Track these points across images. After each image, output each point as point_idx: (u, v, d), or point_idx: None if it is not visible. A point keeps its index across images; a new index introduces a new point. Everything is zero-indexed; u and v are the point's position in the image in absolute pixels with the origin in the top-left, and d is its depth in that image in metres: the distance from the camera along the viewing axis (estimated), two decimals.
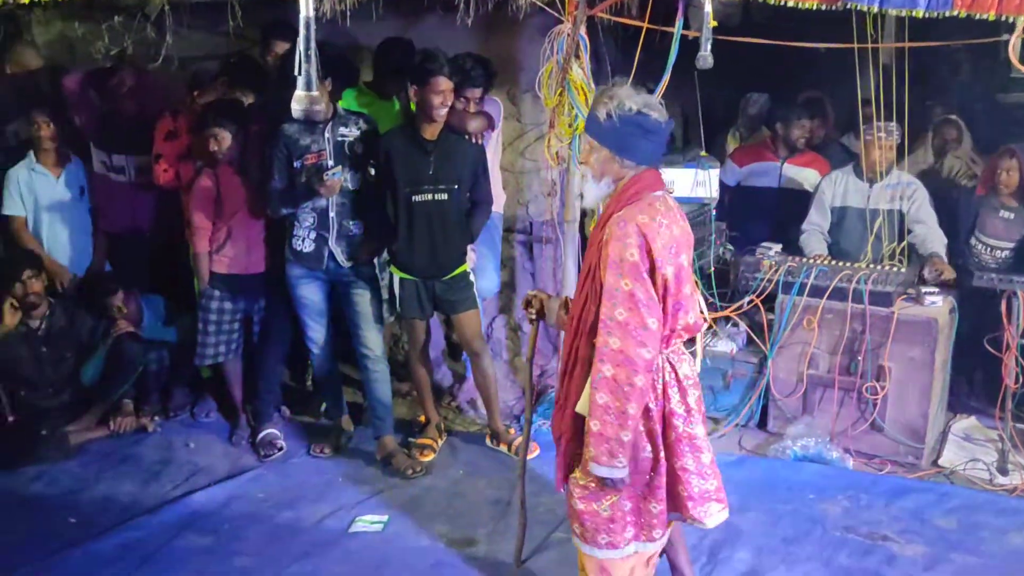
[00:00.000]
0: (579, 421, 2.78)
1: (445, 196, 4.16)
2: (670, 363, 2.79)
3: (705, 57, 3.61)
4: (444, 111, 4.06)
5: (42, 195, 4.81)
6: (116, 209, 4.95)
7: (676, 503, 2.88)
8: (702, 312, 2.92)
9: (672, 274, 2.67)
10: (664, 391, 2.78)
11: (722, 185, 5.27)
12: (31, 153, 4.79)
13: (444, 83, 4.00)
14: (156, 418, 4.83)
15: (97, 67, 4.95)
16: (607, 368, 2.63)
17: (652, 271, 2.64)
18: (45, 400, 4.66)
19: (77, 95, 4.80)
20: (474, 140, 4.30)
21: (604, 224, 2.72)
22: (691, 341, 2.93)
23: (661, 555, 3.09)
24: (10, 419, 4.63)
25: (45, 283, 4.59)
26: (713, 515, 2.90)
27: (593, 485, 2.77)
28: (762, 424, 4.74)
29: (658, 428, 2.78)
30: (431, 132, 4.11)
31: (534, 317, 3.19)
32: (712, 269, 4.86)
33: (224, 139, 4.29)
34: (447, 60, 4.05)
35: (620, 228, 2.64)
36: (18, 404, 4.64)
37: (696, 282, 2.90)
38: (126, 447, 4.61)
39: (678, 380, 2.80)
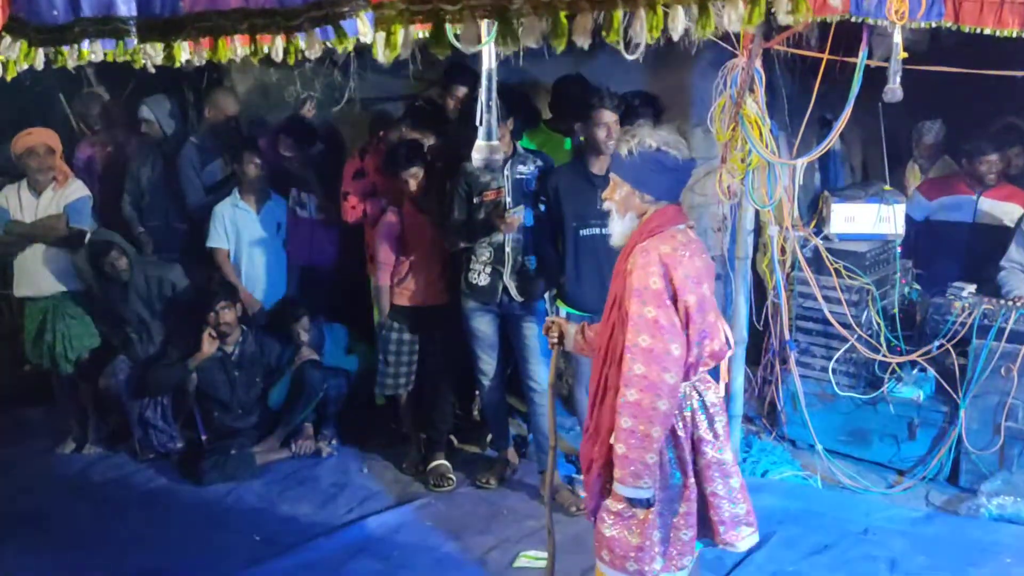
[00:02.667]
0: (611, 448, 2.82)
1: None
2: (697, 391, 2.87)
3: (894, 90, 3.43)
4: (611, 144, 4.06)
5: (243, 230, 5.17)
6: (299, 242, 5.25)
7: (706, 529, 2.93)
8: (727, 339, 2.97)
9: (695, 303, 2.75)
10: (693, 418, 2.86)
11: (908, 220, 4.97)
12: (236, 190, 5.17)
13: (608, 115, 4.04)
14: (333, 442, 5.05)
15: (285, 122, 5.29)
16: (632, 393, 2.71)
17: (675, 299, 2.73)
18: (235, 422, 4.97)
19: (269, 144, 5.16)
20: None
21: (628, 255, 2.84)
22: (714, 371, 2.98)
23: None
24: (203, 439, 4.98)
25: (238, 313, 4.91)
26: (745, 538, 2.96)
27: (623, 509, 2.83)
28: (952, 478, 4.40)
29: (687, 456, 2.85)
30: (599, 167, 4.13)
31: (556, 342, 3.24)
32: (896, 310, 4.59)
33: (418, 178, 4.47)
34: (612, 95, 4.06)
35: (643, 258, 2.76)
36: (211, 425, 4.99)
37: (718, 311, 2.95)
38: (305, 469, 4.84)
39: (705, 407, 2.88)
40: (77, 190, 4.95)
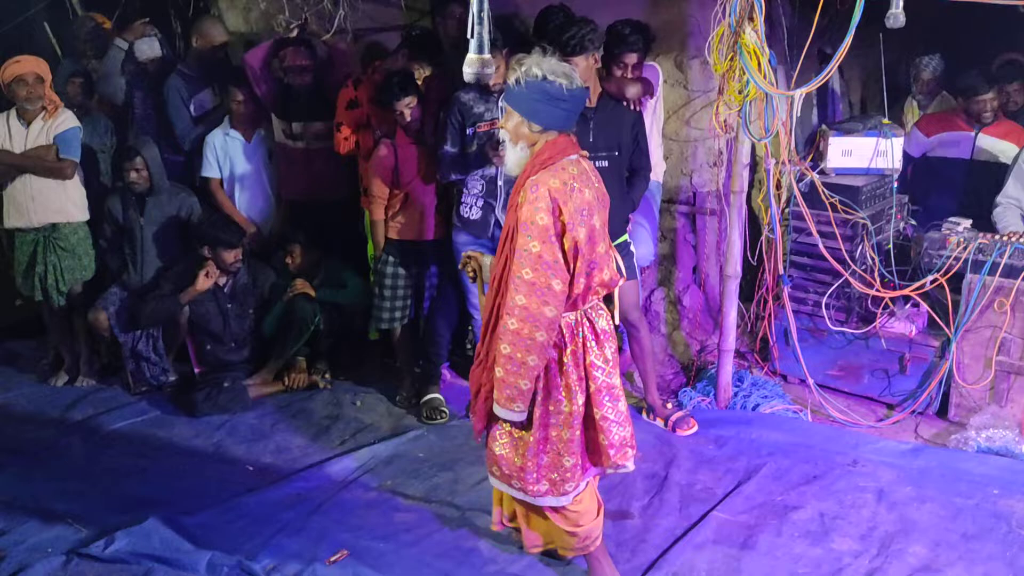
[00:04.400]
0: (484, 374, 3.00)
1: (606, 163, 4.11)
2: (588, 318, 2.97)
3: (897, 15, 3.36)
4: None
5: (235, 158, 5.13)
6: (293, 175, 5.19)
7: (596, 455, 3.08)
8: (618, 269, 3.07)
9: (584, 236, 2.83)
10: (584, 345, 2.96)
11: (906, 156, 4.93)
12: (227, 119, 5.11)
13: (579, 61, 3.90)
14: (327, 375, 5.06)
15: (279, 39, 5.17)
16: (512, 322, 2.83)
17: (563, 234, 2.80)
18: (228, 355, 4.97)
19: (259, 70, 5.05)
20: (633, 107, 4.21)
21: (520, 188, 2.88)
22: (608, 297, 3.09)
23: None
24: (196, 371, 4.99)
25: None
26: (631, 459, 3.10)
27: (512, 431, 3.01)
28: (942, 412, 4.43)
29: (575, 384, 2.96)
30: (590, 99, 4.06)
31: (473, 276, 3.32)
32: (891, 245, 4.57)
33: (412, 108, 4.39)
34: (581, 36, 3.93)
35: (532, 192, 2.80)
36: (203, 358, 4.98)
37: (609, 243, 3.04)
38: (299, 402, 4.86)
39: (595, 334, 2.98)
40: (67, 121, 4.87)
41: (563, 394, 2.98)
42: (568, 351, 2.94)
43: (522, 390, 2.90)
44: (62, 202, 4.90)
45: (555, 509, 3.11)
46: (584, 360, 2.97)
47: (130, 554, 3.46)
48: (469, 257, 3.32)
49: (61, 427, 4.64)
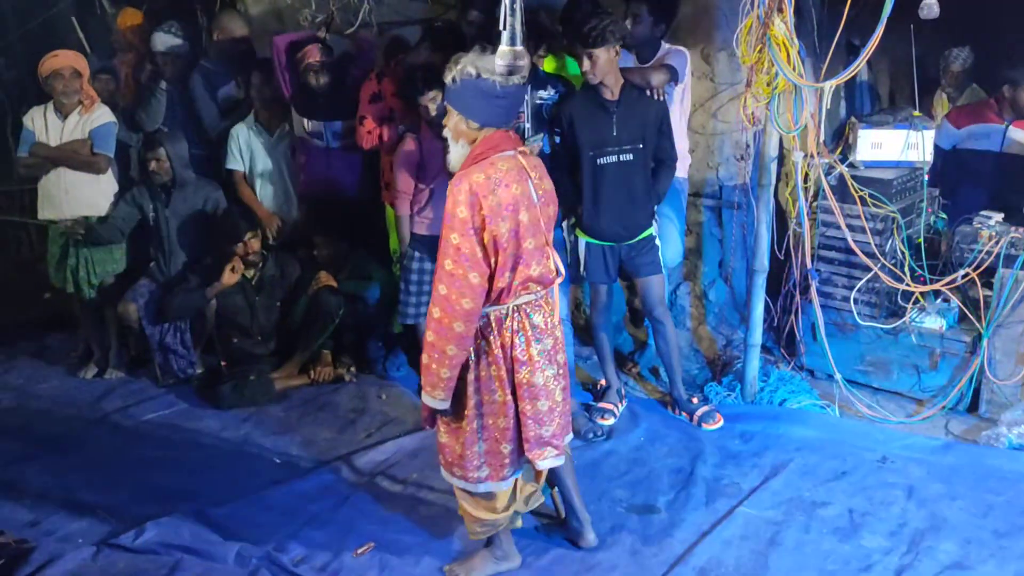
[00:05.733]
0: None
1: (630, 156, 4.09)
2: (521, 313, 3.02)
3: (931, 6, 3.31)
4: (593, 76, 3.95)
5: (258, 152, 5.15)
6: (314, 172, 5.18)
7: (521, 445, 3.15)
8: (557, 267, 3.08)
9: (507, 230, 2.88)
10: (512, 339, 3.02)
11: (936, 149, 4.86)
12: (252, 112, 5.12)
13: (591, 52, 3.89)
14: (352, 369, 5.07)
15: (303, 36, 5.19)
16: (436, 311, 2.93)
17: (482, 228, 2.85)
18: (254, 347, 5.00)
19: (285, 56, 5.05)
20: (656, 95, 4.17)
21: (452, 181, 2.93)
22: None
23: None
24: (223, 364, 5.02)
25: (261, 239, 4.91)
26: (546, 459, 3.16)
27: (451, 420, 3.10)
28: (972, 408, 4.38)
29: (505, 374, 3.04)
30: (611, 93, 4.04)
31: None
32: (921, 239, 4.51)
33: (436, 102, 4.38)
34: (613, 21, 3.91)
35: (456, 186, 2.88)
36: (229, 350, 5.00)
37: (548, 239, 3.06)
38: (324, 395, 4.87)
39: (525, 329, 3.02)
40: (103, 115, 4.92)
41: (496, 384, 3.06)
42: (498, 343, 3.02)
43: (443, 378, 2.98)
44: (95, 196, 4.95)
45: (472, 495, 3.19)
46: (511, 354, 3.04)
47: (160, 545, 3.50)
48: None
49: (90, 419, 4.69)
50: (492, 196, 2.85)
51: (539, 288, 3.05)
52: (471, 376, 3.05)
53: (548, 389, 3.11)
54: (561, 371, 3.17)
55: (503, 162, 2.92)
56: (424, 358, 3.01)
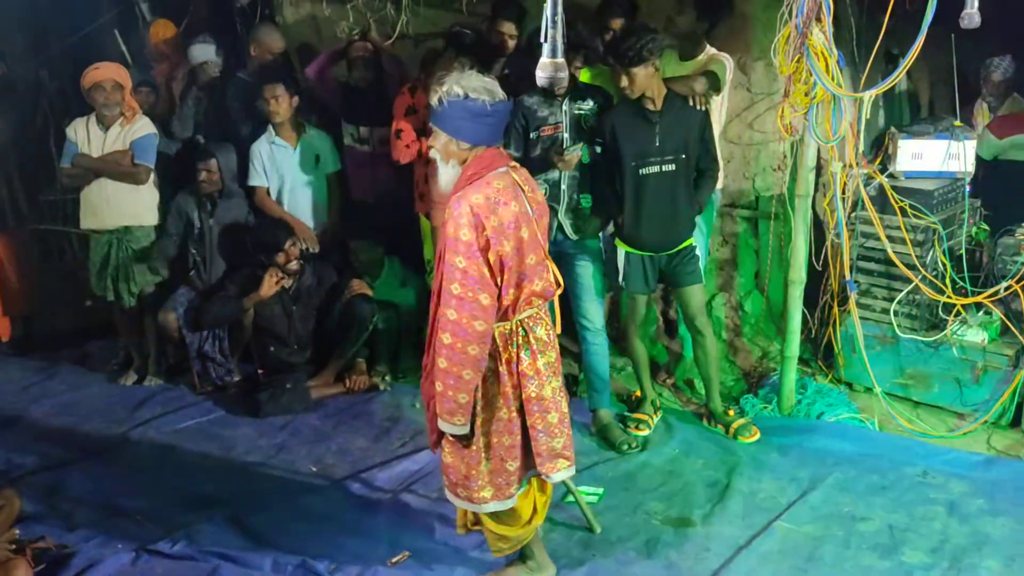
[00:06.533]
0: (430, 387, 3.02)
1: (672, 166, 4.07)
2: (524, 328, 3.00)
3: (972, 15, 3.27)
4: (631, 92, 3.94)
5: (283, 166, 5.15)
6: (360, 177, 5.23)
7: (530, 459, 3.11)
8: (556, 279, 3.07)
9: (511, 249, 2.87)
10: (517, 355, 3.00)
11: (977, 159, 4.79)
12: (271, 127, 5.13)
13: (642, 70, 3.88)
14: (387, 378, 5.09)
15: (340, 46, 5.23)
16: (446, 337, 2.88)
17: (487, 248, 2.83)
18: (290, 356, 5.04)
19: (316, 80, 5.10)
20: (699, 104, 4.15)
21: (450, 203, 2.90)
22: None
23: None
24: (260, 372, 5.06)
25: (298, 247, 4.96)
26: (560, 471, 3.14)
27: (455, 441, 3.05)
28: (1015, 423, 4.29)
29: (510, 391, 3.01)
30: (655, 102, 4.03)
31: None
32: (962, 250, 4.45)
33: None
34: (652, 38, 3.87)
35: (456, 208, 2.85)
36: (266, 359, 5.05)
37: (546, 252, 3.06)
38: (359, 404, 4.89)
39: (530, 343, 3.01)
40: (144, 127, 4.99)
41: (500, 401, 3.02)
42: (503, 360, 2.99)
43: (461, 404, 2.94)
44: (136, 206, 5.02)
45: (492, 514, 3.15)
46: (517, 369, 3.01)
47: (197, 551, 3.54)
48: None
49: (130, 426, 4.74)
50: (494, 216, 2.83)
51: (540, 302, 3.04)
52: (477, 395, 3.00)
53: (556, 401, 3.09)
54: (563, 383, 3.17)
55: (497, 180, 2.89)
56: (438, 386, 2.95)
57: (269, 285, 4.86)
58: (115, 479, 4.18)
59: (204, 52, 5.45)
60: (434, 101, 2.92)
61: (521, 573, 3.35)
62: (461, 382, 2.91)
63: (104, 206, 4.98)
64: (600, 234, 4.39)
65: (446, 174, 3.00)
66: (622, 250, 4.25)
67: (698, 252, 4.27)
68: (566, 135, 4.16)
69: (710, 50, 4.43)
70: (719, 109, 4.51)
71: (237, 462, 4.37)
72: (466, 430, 3.00)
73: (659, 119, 4.03)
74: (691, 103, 4.10)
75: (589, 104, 4.19)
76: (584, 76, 4.32)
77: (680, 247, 4.19)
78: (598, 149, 4.20)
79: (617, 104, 4.22)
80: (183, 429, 4.70)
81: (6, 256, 5.60)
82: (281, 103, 4.96)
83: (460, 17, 5.22)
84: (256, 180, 5.17)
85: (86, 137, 4.95)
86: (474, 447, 3.05)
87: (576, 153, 4.06)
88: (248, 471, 4.27)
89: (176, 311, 5.01)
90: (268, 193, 5.21)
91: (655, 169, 4.07)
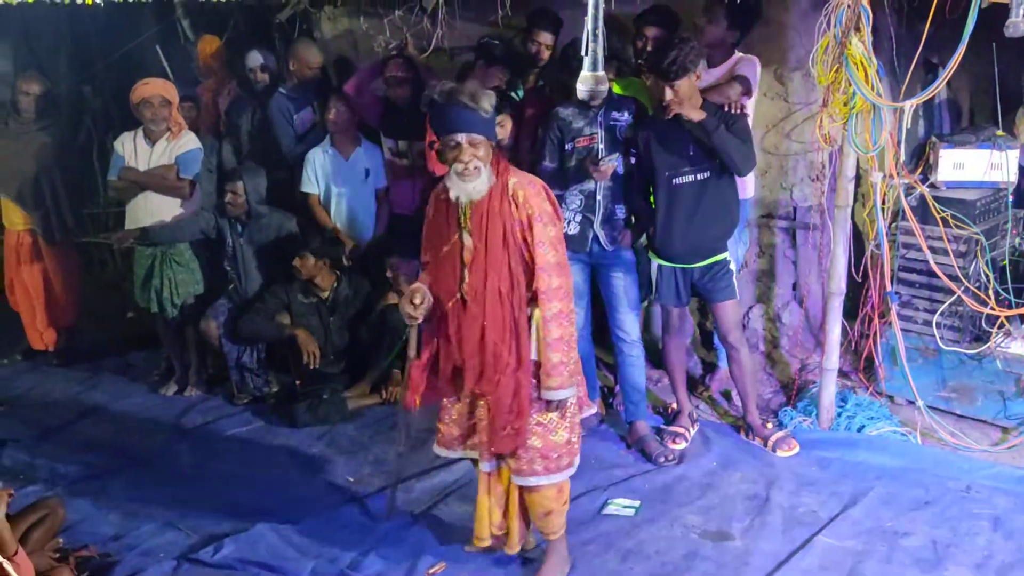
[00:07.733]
0: (524, 377, 3.11)
1: (707, 174, 4.06)
2: None
3: (1017, 24, 3.22)
4: (677, 108, 3.92)
5: (333, 175, 5.26)
6: (400, 191, 5.28)
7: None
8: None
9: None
10: None
11: (1020, 169, 4.72)
12: (328, 137, 5.25)
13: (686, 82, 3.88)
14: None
15: (377, 61, 5.28)
16: (555, 305, 3.05)
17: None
18: (327, 366, 5.07)
19: (355, 96, 5.17)
20: (734, 109, 4.13)
21: (502, 194, 3.04)
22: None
23: None
24: (297, 383, 5.11)
25: (331, 259, 5.00)
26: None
27: (541, 419, 3.13)
28: None
29: None
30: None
31: (414, 316, 3.27)
32: (1006, 261, 4.37)
33: (506, 125, 4.40)
34: (692, 48, 3.85)
35: (531, 187, 3.07)
36: (303, 370, 5.08)
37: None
38: (396, 415, 4.89)
39: None
40: (189, 142, 5.09)
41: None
42: None
43: (577, 361, 3.19)
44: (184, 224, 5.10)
45: (560, 488, 3.27)
46: None
47: (237, 560, 3.57)
48: (415, 290, 3.26)
49: (171, 436, 4.82)
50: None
51: None
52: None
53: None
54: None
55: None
56: (555, 357, 3.06)
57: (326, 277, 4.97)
58: (157, 488, 4.23)
59: (258, 57, 5.57)
60: (483, 109, 2.99)
61: (563, 562, 3.43)
62: (573, 340, 3.13)
63: (148, 219, 5.06)
64: (635, 245, 4.38)
65: (484, 181, 3.07)
66: (654, 262, 4.24)
67: (732, 267, 4.25)
68: (601, 146, 4.17)
69: (738, 55, 4.43)
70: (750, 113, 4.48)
71: (276, 472, 4.41)
72: (585, 388, 3.29)
73: (694, 128, 4.01)
74: (727, 109, 4.09)
75: (624, 115, 4.18)
76: (616, 88, 4.32)
77: (711, 260, 4.17)
78: (632, 160, 4.20)
79: (651, 115, 4.23)
80: (224, 439, 4.77)
81: (53, 269, 5.71)
82: (341, 115, 5.13)
83: (496, 30, 5.25)
84: (308, 187, 5.30)
85: (133, 151, 5.05)
86: (571, 408, 3.22)
87: (612, 164, 4.06)
88: (287, 481, 4.31)
89: (216, 319, 5.08)
90: (318, 200, 5.29)
91: (689, 179, 4.06)
